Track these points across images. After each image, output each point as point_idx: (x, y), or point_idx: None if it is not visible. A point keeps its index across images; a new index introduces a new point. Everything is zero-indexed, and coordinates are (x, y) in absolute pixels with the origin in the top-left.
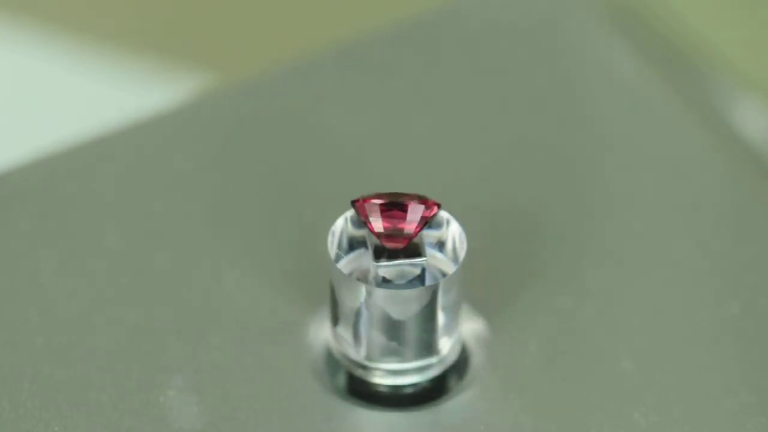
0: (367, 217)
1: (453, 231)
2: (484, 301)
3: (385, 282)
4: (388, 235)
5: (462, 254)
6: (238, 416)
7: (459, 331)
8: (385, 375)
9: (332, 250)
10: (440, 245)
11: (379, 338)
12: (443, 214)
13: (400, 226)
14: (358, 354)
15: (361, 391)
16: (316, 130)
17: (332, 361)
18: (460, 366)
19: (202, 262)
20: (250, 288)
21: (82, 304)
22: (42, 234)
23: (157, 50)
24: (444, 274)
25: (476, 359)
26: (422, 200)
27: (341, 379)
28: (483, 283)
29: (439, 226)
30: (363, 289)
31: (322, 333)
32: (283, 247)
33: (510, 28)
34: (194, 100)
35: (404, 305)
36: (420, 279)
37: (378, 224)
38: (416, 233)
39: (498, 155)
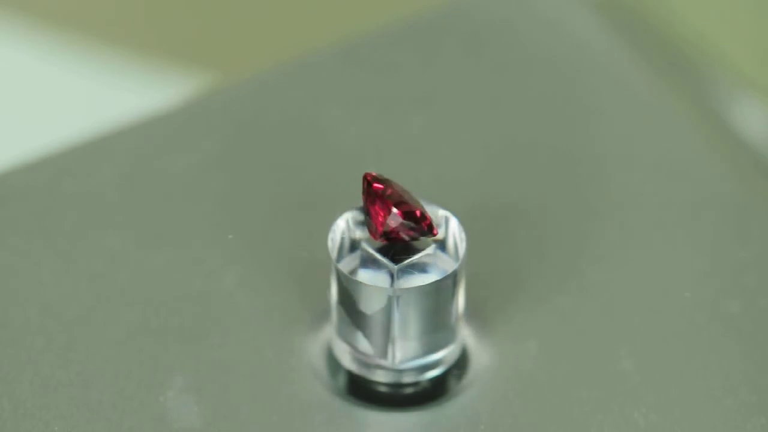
0: (369, 191)
1: (452, 229)
2: (484, 301)
3: (370, 262)
4: (368, 219)
5: (462, 251)
6: (238, 416)
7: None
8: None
9: (333, 250)
10: (441, 244)
11: (344, 320)
12: (442, 212)
13: (379, 220)
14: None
15: (361, 391)
16: (316, 130)
17: (332, 361)
18: (460, 366)
19: (202, 262)
20: (250, 288)
21: (82, 304)
22: (42, 234)
23: (157, 50)
24: (444, 272)
25: (476, 359)
26: (427, 222)
27: (341, 379)
28: (483, 283)
29: (438, 225)
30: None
31: (322, 333)
32: (283, 246)
33: (510, 28)
34: (194, 100)
35: (365, 296)
36: (390, 281)
37: (372, 205)
38: (389, 233)
39: (498, 155)
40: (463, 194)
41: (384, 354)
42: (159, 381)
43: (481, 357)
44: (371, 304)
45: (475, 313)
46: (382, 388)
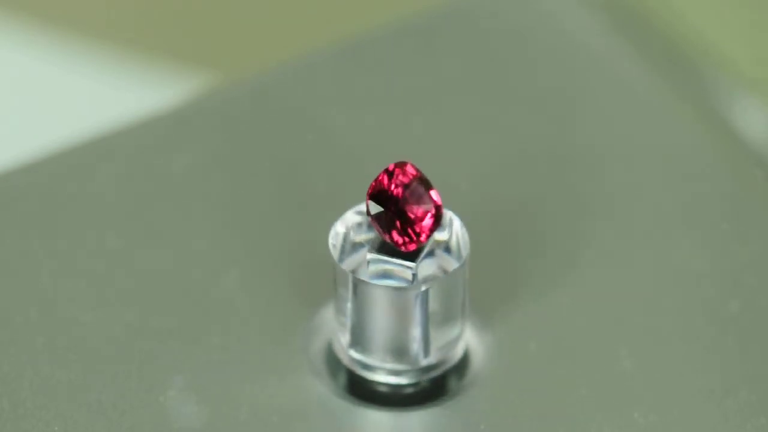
0: (389, 183)
1: (456, 229)
2: (484, 301)
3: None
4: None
5: (465, 253)
6: (238, 416)
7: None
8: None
9: (335, 250)
10: (445, 245)
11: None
12: (446, 213)
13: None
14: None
15: (361, 391)
16: (316, 130)
17: (332, 361)
18: (460, 366)
19: (202, 262)
20: (250, 288)
21: (82, 304)
22: (42, 234)
23: (157, 50)
24: (445, 271)
25: (476, 359)
26: (391, 233)
27: (341, 379)
28: (483, 283)
29: (442, 227)
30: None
31: (322, 333)
32: (283, 246)
33: (510, 28)
34: (194, 100)
35: (339, 276)
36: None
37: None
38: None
39: (497, 155)
40: (463, 193)
41: (345, 337)
42: (159, 381)
43: (481, 357)
44: (342, 286)
45: (475, 312)
46: (382, 388)
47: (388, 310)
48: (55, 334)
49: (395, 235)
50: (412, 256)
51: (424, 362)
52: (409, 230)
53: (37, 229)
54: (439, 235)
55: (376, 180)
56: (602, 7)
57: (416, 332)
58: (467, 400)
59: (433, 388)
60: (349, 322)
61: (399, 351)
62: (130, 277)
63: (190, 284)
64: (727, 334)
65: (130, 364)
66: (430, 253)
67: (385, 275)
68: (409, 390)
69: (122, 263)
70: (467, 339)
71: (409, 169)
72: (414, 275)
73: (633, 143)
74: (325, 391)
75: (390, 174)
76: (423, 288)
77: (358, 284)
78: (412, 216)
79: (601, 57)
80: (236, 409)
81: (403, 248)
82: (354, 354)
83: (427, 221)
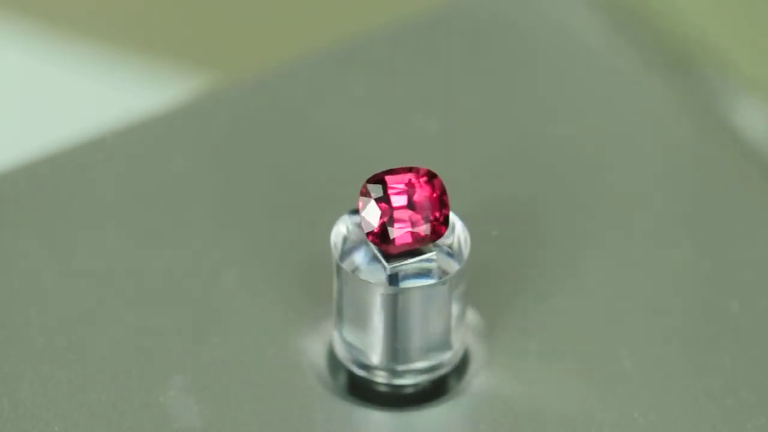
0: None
1: (457, 231)
2: (484, 301)
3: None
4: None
5: (466, 253)
6: (238, 416)
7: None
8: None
9: (336, 249)
10: (447, 248)
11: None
12: (451, 217)
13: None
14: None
15: (361, 391)
16: (316, 130)
17: (333, 361)
18: (460, 366)
19: (202, 262)
20: (250, 288)
21: (82, 304)
22: (42, 234)
23: (157, 50)
24: (446, 273)
25: (476, 359)
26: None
27: (342, 379)
28: (483, 283)
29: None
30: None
31: (322, 333)
32: (283, 246)
33: (511, 28)
34: (194, 100)
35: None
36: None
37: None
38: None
39: (498, 155)
40: (463, 194)
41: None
42: (159, 381)
43: (481, 357)
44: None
45: (474, 312)
46: (381, 388)
47: (362, 304)
48: (55, 334)
49: (373, 231)
50: (403, 256)
51: (395, 366)
52: (390, 233)
53: (37, 229)
54: (441, 238)
55: (392, 172)
56: (602, 7)
57: (379, 333)
58: (467, 400)
59: (433, 388)
60: (335, 303)
61: (367, 348)
62: (130, 277)
63: (190, 284)
64: (727, 334)
65: (130, 364)
66: (428, 256)
67: (368, 268)
68: (409, 390)
69: (122, 263)
70: (467, 339)
71: (427, 184)
72: (390, 276)
73: (633, 143)
74: (325, 391)
75: (410, 175)
76: (392, 292)
77: (340, 270)
78: (402, 223)
79: (601, 57)
80: (236, 409)
81: (378, 244)
82: (335, 334)
83: (407, 239)
